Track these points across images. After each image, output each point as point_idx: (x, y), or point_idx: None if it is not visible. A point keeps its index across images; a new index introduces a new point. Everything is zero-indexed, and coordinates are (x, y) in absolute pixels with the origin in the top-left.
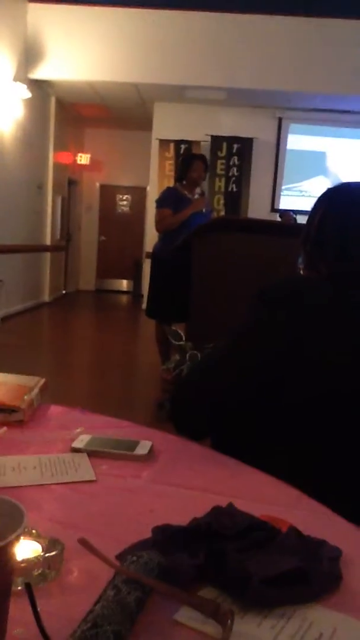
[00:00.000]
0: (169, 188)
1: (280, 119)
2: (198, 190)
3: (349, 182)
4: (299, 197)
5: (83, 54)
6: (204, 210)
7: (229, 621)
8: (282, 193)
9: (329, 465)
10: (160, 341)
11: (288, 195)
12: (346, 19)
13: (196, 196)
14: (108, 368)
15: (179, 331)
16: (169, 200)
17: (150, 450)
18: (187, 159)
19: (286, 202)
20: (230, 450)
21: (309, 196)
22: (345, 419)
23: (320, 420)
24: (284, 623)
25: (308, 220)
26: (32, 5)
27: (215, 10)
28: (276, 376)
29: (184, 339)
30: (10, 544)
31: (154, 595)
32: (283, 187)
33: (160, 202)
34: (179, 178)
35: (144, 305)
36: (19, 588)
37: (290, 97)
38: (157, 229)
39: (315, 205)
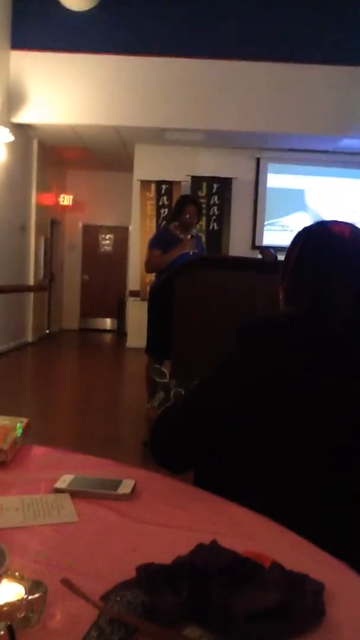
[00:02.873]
0: (161, 229)
1: (258, 159)
2: (192, 232)
3: (324, 221)
4: (282, 231)
5: (64, 99)
6: (190, 252)
7: None
8: (264, 228)
9: (311, 500)
10: (148, 379)
11: (271, 229)
12: (319, 65)
13: (189, 237)
14: (93, 407)
15: (163, 369)
16: (159, 241)
17: (133, 489)
18: (180, 202)
19: (269, 237)
20: (212, 486)
21: (291, 231)
22: (328, 453)
23: (302, 455)
24: None
25: (286, 257)
26: (14, 52)
27: (194, 56)
28: (257, 412)
29: (167, 376)
30: None
31: (138, 635)
32: (265, 223)
33: (151, 243)
34: (171, 219)
35: (127, 344)
36: (1, 633)
37: (267, 138)
38: (146, 269)
39: (292, 242)
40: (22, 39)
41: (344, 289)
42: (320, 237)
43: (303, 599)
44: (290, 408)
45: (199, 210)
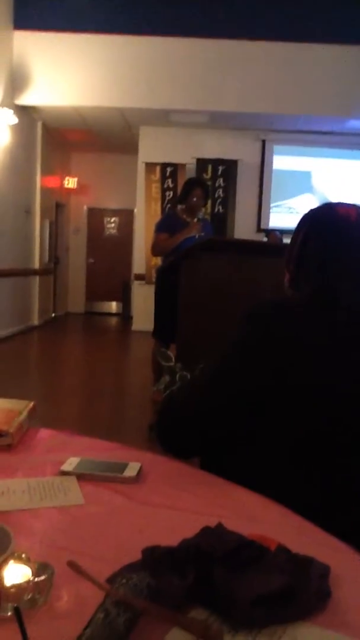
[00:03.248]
0: (167, 212)
1: (263, 141)
2: (199, 215)
3: (329, 203)
4: (288, 214)
5: (68, 80)
6: (197, 235)
7: None
8: (270, 210)
9: (316, 482)
10: (155, 362)
11: (277, 212)
12: (325, 45)
13: (196, 220)
14: (98, 391)
15: (169, 352)
16: (165, 224)
17: (139, 472)
18: (187, 184)
19: (275, 219)
20: (218, 469)
21: (297, 213)
22: (333, 437)
23: (307, 439)
24: None
25: (291, 241)
26: (17, 32)
27: (199, 36)
28: (262, 396)
29: (173, 360)
30: None
31: (144, 617)
32: (272, 205)
33: (158, 227)
34: (178, 202)
35: (133, 327)
36: (9, 614)
37: (273, 120)
38: (152, 253)
39: (297, 226)
40: (25, 20)
41: (349, 274)
42: (325, 219)
43: (308, 582)
44: (296, 399)
45: (206, 193)
